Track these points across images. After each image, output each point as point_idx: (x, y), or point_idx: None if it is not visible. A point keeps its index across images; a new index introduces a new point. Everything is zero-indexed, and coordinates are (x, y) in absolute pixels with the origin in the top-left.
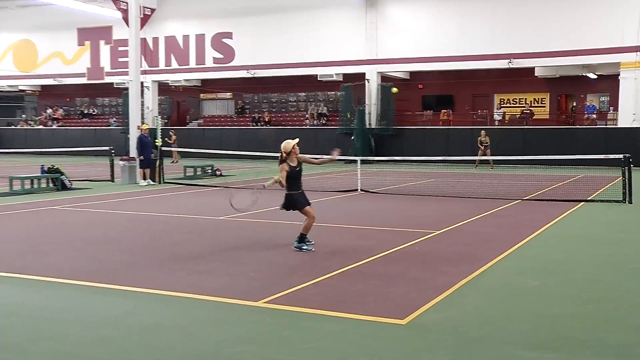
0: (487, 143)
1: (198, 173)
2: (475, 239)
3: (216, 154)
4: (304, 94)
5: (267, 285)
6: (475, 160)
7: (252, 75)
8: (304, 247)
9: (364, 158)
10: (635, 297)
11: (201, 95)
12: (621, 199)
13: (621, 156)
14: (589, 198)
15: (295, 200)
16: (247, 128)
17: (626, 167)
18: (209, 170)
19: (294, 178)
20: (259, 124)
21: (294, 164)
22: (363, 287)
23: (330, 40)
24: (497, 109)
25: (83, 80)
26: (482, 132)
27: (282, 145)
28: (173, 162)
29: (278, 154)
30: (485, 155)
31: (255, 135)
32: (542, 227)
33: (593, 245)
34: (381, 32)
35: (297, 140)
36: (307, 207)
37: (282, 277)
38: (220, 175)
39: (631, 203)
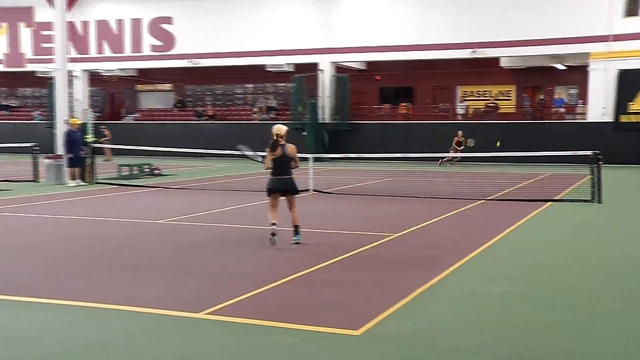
0: (462, 147)
1: (134, 172)
2: (437, 242)
3: (155, 152)
4: (251, 85)
5: (211, 294)
6: (444, 157)
7: (194, 65)
8: (298, 239)
9: (317, 155)
10: (605, 304)
11: (138, 86)
12: (590, 199)
13: (590, 153)
14: (557, 198)
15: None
16: (189, 123)
17: (595, 165)
18: (147, 170)
19: (282, 163)
20: (202, 118)
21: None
22: (316, 295)
23: (280, 27)
24: (460, 102)
25: (0, 68)
26: (460, 132)
27: (277, 127)
28: (106, 160)
29: (220, 151)
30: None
31: (198, 130)
32: (507, 229)
33: (561, 248)
34: (336, 18)
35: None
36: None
37: (227, 286)
38: (160, 174)
39: (600, 203)
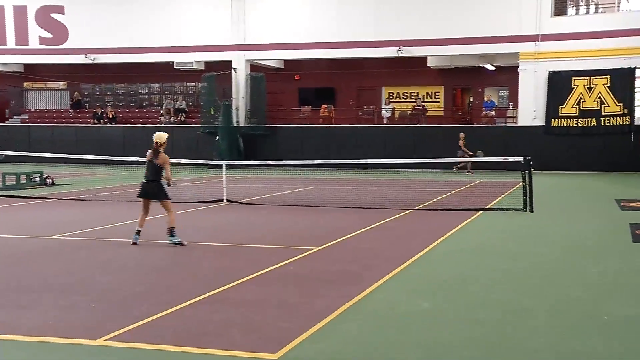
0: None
1: (22, 182)
2: (359, 256)
3: (46, 158)
4: (157, 85)
5: (108, 318)
6: (458, 163)
7: (91, 61)
8: (177, 240)
9: (231, 162)
10: (533, 318)
11: (25, 84)
12: (522, 207)
13: (521, 159)
14: (487, 206)
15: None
16: (86, 126)
17: (526, 171)
18: (37, 179)
19: (155, 170)
20: (101, 121)
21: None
22: (227, 315)
23: (189, 20)
24: (385, 104)
25: None
26: (461, 134)
27: (157, 135)
28: None
29: (121, 158)
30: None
31: (96, 134)
32: (435, 240)
33: (490, 260)
34: (250, 12)
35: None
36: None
37: (128, 308)
38: (52, 184)
39: (532, 211)
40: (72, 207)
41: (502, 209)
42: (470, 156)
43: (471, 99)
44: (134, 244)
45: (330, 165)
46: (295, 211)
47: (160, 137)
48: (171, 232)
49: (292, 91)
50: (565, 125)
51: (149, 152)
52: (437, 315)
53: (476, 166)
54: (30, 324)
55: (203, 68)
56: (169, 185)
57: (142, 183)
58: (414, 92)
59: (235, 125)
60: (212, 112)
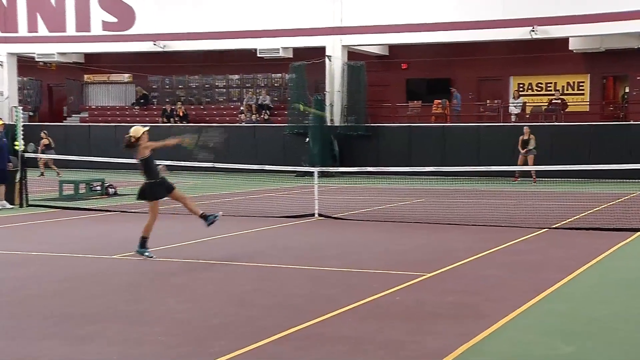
0: (532, 146)
1: (81, 191)
2: (480, 286)
3: (108, 164)
4: (237, 76)
5: (179, 355)
6: (516, 171)
7: (161, 49)
8: (146, 253)
9: (324, 169)
10: None
11: (85, 76)
12: None
13: None
14: None
15: (157, 187)
16: (154, 125)
17: None
18: (98, 188)
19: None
20: (172, 119)
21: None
22: (320, 355)
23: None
24: (514, 97)
25: None
26: (526, 128)
27: (134, 129)
28: (42, 174)
29: (193, 164)
30: (526, 163)
31: (166, 135)
32: (578, 268)
33: None
34: None
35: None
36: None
37: (202, 342)
38: (115, 194)
39: None
40: (139, 221)
41: None
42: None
43: (627, 90)
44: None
45: (445, 173)
46: (402, 228)
47: (137, 130)
48: (143, 243)
49: (399, 83)
50: None
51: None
52: None
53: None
54: (91, 359)
55: (291, 56)
56: (188, 143)
57: (155, 182)
58: (550, 83)
59: (329, 124)
60: (302, 109)
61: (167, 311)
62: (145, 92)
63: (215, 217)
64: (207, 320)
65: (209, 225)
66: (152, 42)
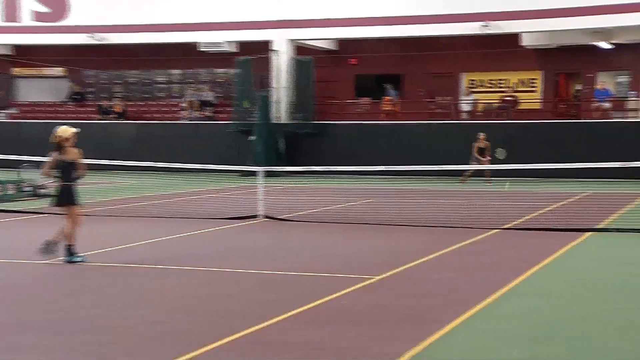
0: (488, 153)
1: (9, 192)
2: (431, 289)
3: (40, 162)
4: (178, 71)
5: None
6: (463, 172)
7: (97, 42)
8: (76, 259)
9: (270, 168)
10: None
11: (14, 70)
12: None
13: None
14: (598, 226)
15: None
16: (89, 122)
17: None
18: (27, 189)
19: (66, 170)
20: (108, 116)
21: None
22: None
23: None
24: (465, 94)
25: None
26: (482, 136)
27: (62, 129)
28: None
29: (132, 163)
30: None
31: (102, 133)
32: (529, 269)
33: (604, 297)
34: None
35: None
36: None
37: (145, 351)
38: (47, 195)
39: None
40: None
41: (619, 230)
42: (482, 162)
43: (579, 88)
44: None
45: (395, 172)
46: (350, 230)
47: (65, 131)
48: (69, 250)
49: (348, 79)
50: None
51: (54, 153)
52: None
53: (575, 173)
54: None
55: (236, 50)
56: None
57: (56, 188)
58: (502, 80)
59: (275, 121)
60: (247, 106)
61: (105, 319)
62: (79, 87)
63: (80, 261)
64: (148, 328)
65: (66, 261)
66: (87, 35)
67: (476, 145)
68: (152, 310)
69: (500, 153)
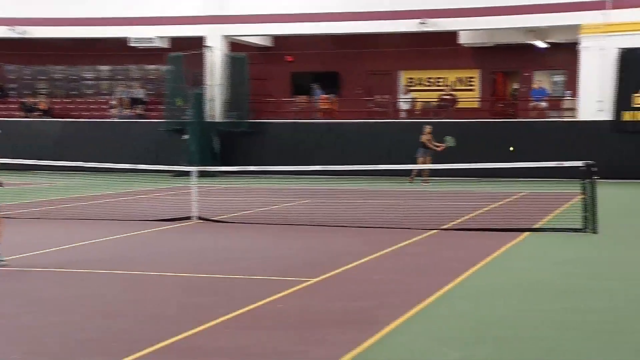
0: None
1: None
2: (369, 291)
3: None
4: (107, 68)
5: None
6: (412, 171)
7: (19, 36)
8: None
9: (204, 168)
10: None
11: None
12: (582, 227)
13: (581, 164)
14: (535, 226)
15: None
16: (12, 120)
17: (588, 180)
18: None
19: None
20: (32, 113)
21: None
22: None
23: None
24: (403, 93)
25: None
26: (427, 127)
27: None
28: None
29: (57, 162)
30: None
31: (26, 131)
32: (467, 270)
33: (541, 297)
34: None
35: None
36: None
37: (67, 356)
38: None
39: (596, 232)
40: None
41: (555, 230)
42: (437, 150)
43: (516, 87)
44: None
45: (332, 172)
46: (286, 231)
47: None
48: None
49: (284, 76)
50: None
51: None
52: None
53: (512, 173)
54: None
55: (168, 46)
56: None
57: None
58: (440, 78)
59: (209, 120)
60: (180, 104)
61: (25, 327)
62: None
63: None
64: (72, 335)
65: None
66: (8, 27)
67: (423, 137)
68: (75, 317)
69: (450, 140)
